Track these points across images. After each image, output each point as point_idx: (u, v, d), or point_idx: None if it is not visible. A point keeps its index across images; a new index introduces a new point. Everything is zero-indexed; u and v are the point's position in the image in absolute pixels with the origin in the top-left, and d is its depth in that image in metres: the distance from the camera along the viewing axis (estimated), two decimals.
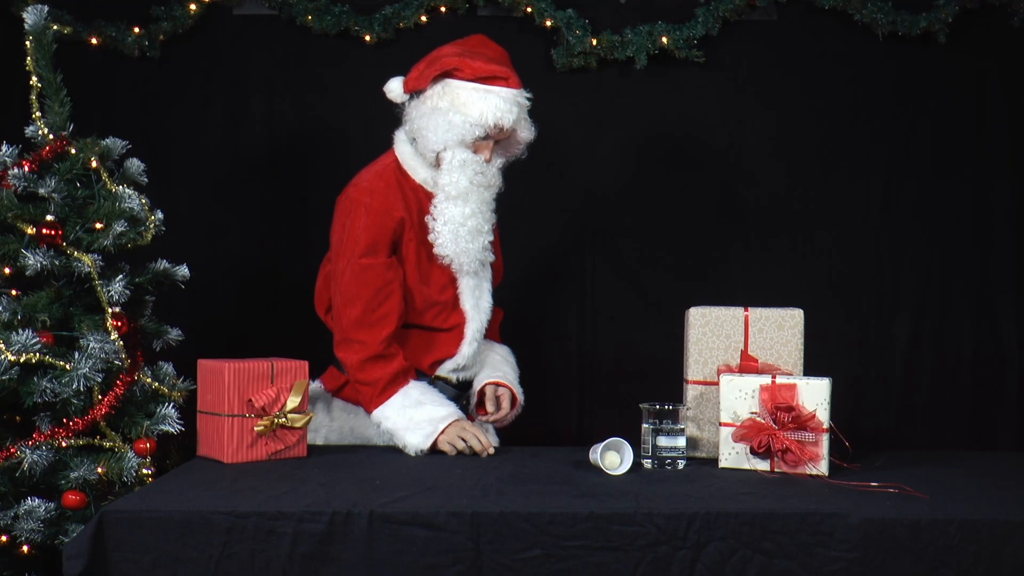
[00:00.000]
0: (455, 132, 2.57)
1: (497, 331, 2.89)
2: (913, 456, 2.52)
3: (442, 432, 2.50)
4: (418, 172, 2.66)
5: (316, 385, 2.76)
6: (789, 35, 3.70)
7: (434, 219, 2.61)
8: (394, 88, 2.71)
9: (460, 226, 2.60)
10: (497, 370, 2.77)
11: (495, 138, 2.63)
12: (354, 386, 2.62)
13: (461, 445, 2.48)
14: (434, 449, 2.51)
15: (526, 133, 2.70)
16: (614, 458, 2.28)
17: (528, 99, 2.67)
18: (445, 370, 2.70)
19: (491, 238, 2.69)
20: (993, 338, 3.73)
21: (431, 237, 2.62)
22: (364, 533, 1.88)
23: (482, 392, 2.73)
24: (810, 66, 3.71)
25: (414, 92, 2.67)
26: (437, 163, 2.62)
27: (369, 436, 2.67)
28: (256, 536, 1.88)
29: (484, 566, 1.89)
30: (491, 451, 2.49)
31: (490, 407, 2.71)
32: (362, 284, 2.57)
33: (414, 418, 2.52)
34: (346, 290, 2.58)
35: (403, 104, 2.70)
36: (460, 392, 2.74)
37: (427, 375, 2.67)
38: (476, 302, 2.70)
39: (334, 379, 2.74)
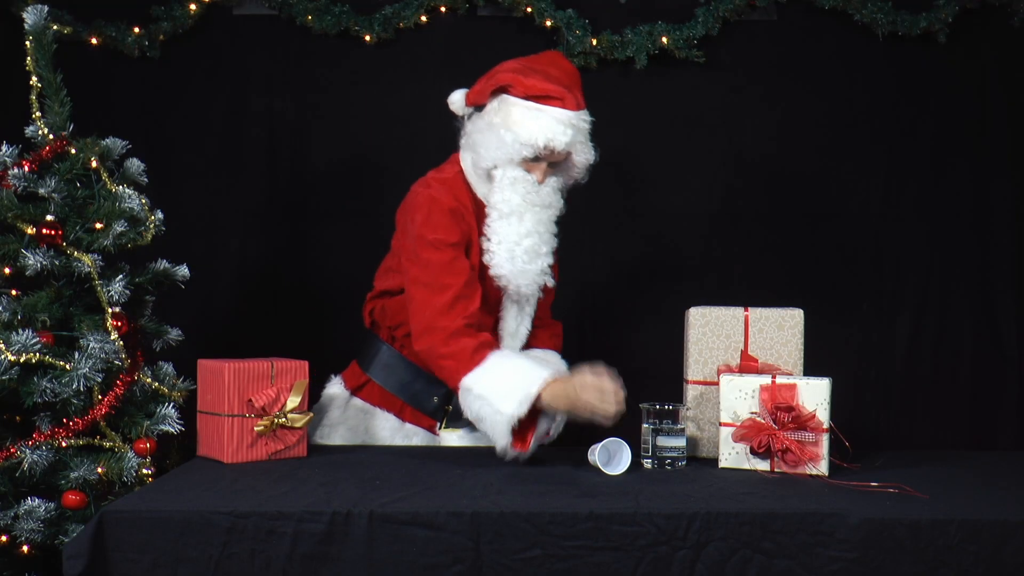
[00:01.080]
0: (505, 150, 2.49)
1: (557, 345, 2.78)
2: (913, 456, 2.51)
3: (544, 390, 2.32)
4: (479, 187, 2.58)
5: (337, 382, 2.75)
6: (789, 35, 3.70)
7: (488, 239, 2.52)
8: (456, 100, 2.65)
9: (515, 245, 2.50)
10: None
11: (547, 160, 2.53)
12: (437, 367, 2.44)
13: (587, 401, 2.28)
14: (535, 414, 2.34)
15: (582, 157, 2.58)
16: (617, 464, 2.26)
17: (588, 121, 2.56)
18: None
19: (551, 261, 2.58)
20: (993, 338, 3.73)
21: (486, 259, 2.53)
22: (364, 533, 1.88)
23: None
24: (810, 66, 3.71)
25: (475, 106, 2.60)
26: (491, 180, 2.55)
27: (384, 437, 2.67)
28: (256, 536, 1.88)
29: (484, 566, 1.89)
30: (614, 409, 2.27)
31: None
32: (452, 273, 2.45)
33: (507, 376, 2.34)
34: (434, 279, 2.45)
35: (463, 117, 2.64)
36: None
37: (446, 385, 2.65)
38: (515, 329, 2.64)
39: (354, 377, 2.72)
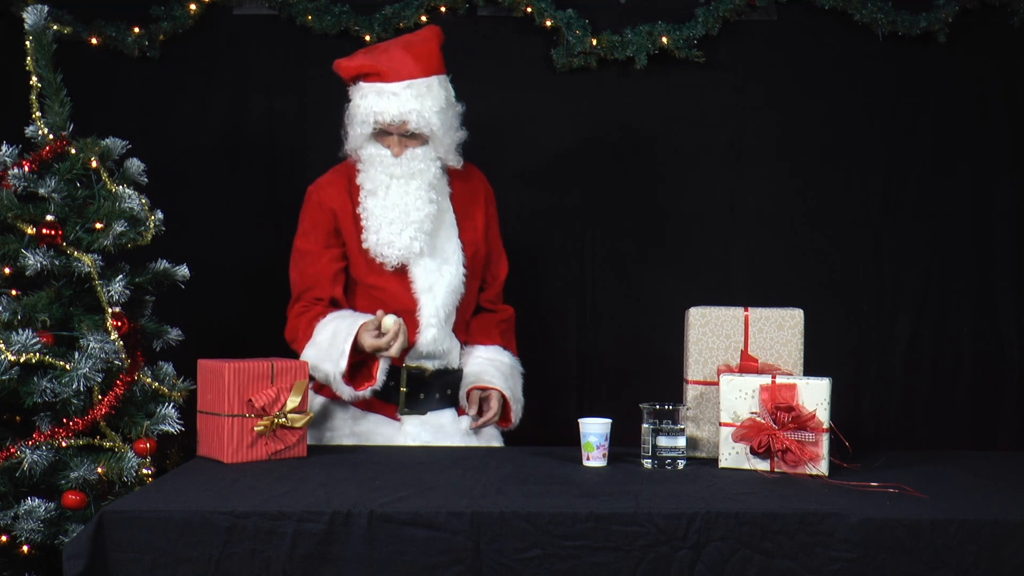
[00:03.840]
0: (355, 132, 2.68)
1: (502, 333, 2.88)
2: (913, 456, 2.51)
3: (353, 345, 2.55)
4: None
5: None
6: (789, 35, 3.70)
7: (363, 218, 2.67)
8: None
9: (380, 218, 2.64)
10: (484, 375, 2.77)
11: (396, 132, 2.65)
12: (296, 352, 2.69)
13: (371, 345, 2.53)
14: (357, 365, 2.59)
15: (420, 122, 2.63)
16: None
17: (425, 86, 2.64)
18: (413, 359, 2.69)
19: (427, 226, 2.66)
20: (993, 338, 3.73)
21: (362, 235, 2.67)
22: (364, 533, 1.88)
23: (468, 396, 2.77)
24: (810, 66, 3.71)
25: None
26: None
27: (334, 418, 2.72)
28: (256, 536, 1.88)
29: (484, 566, 1.89)
30: (394, 349, 2.52)
31: (472, 410, 2.75)
32: (296, 271, 2.73)
33: (326, 344, 2.58)
34: (290, 274, 2.77)
35: None
36: (440, 380, 2.73)
37: (397, 366, 2.68)
38: (430, 285, 2.68)
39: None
